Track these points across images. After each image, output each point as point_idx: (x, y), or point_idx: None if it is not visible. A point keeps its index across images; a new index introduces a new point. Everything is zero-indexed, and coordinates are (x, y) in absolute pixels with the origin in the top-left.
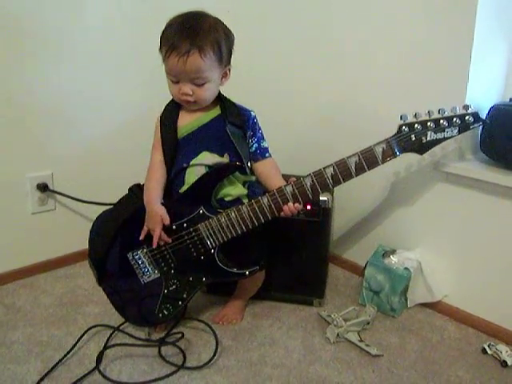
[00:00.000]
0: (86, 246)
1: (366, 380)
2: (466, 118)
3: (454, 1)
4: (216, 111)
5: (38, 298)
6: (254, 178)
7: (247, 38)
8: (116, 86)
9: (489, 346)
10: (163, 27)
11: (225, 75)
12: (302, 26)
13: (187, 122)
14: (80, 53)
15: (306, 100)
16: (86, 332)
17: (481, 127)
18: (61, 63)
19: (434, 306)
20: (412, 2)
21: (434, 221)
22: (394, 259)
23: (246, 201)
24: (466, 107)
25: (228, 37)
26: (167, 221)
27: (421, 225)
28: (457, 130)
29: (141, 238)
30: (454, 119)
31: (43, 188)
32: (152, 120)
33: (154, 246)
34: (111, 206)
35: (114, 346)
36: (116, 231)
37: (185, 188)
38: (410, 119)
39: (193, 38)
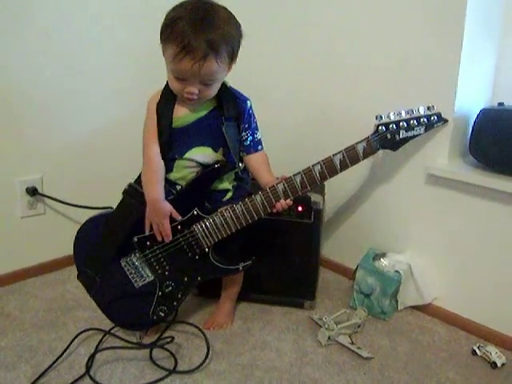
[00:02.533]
0: None
1: (358, 382)
2: (432, 118)
3: (443, 7)
4: (213, 103)
5: (27, 303)
6: (242, 166)
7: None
8: (106, 89)
9: (478, 348)
10: (164, 16)
11: (229, 69)
12: (294, 27)
13: (184, 114)
14: (69, 53)
15: (294, 101)
16: (76, 336)
17: (470, 131)
18: (49, 64)
19: (425, 309)
20: (402, 8)
21: (424, 224)
22: (384, 262)
23: (230, 193)
24: (430, 108)
25: (239, 31)
26: (178, 216)
27: (411, 228)
28: (424, 128)
29: (146, 231)
30: (422, 119)
31: (32, 192)
32: (143, 121)
33: (168, 240)
34: (100, 213)
35: (104, 349)
36: (122, 242)
37: (175, 175)
38: (384, 119)
39: (209, 38)
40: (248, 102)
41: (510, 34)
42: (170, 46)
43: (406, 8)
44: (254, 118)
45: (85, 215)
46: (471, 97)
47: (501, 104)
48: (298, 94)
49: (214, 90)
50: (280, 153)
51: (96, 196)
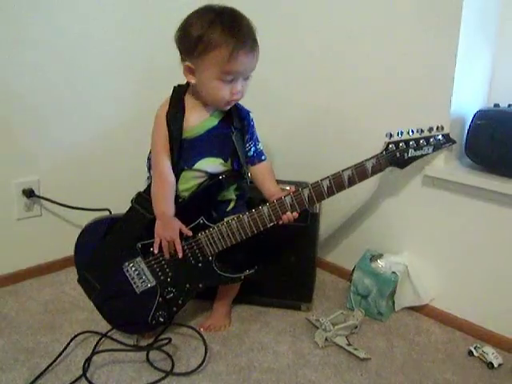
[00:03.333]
0: (72, 252)
1: (355, 383)
2: (440, 138)
3: (440, 9)
4: (220, 114)
5: (24, 305)
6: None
7: None
8: (104, 90)
9: (475, 349)
10: (181, 32)
11: None
12: (292, 32)
13: (195, 124)
14: (67, 54)
15: (292, 106)
16: (73, 339)
17: (466, 132)
18: (47, 68)
19: (421, 310)
20: (398, 10)
21: (421, 225)
22: (381, 263)
23: (233, 203)
24: (439, 128)
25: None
26: (190, 233)
27: (407, 229)
28: (432, 149)
29: (155, 251)
30: (431, 139)
31: (29, 194)
32: (142, 123)
33: (180, 256)
34: (102, 217)
35: (101, 351)
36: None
37: (179, 187)
38: (394, 137)
39: (248, 31)
40: (250, 113)
41: (505, 36)
42: (215, 53)
43: (403, 10)
44: (255, 129)
45: (81, 217)
46: (467, 98)
47: (497, 105)
48: (297, 97)
49: (248, 85)
50: (279, 157)
51: (93, 198)
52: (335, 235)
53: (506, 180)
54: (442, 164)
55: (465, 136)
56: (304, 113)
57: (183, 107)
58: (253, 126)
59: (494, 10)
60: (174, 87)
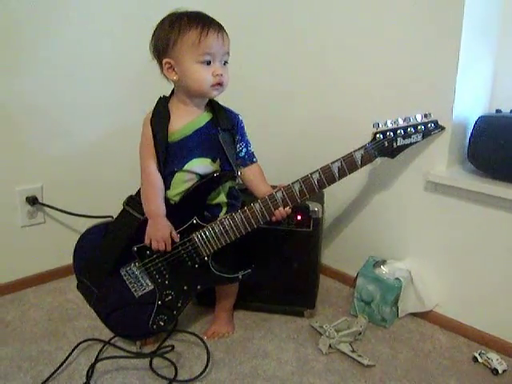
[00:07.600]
0: None
1: None
2: (429, 125)
3: (441, 14)
4: (208, 115)
5: (27, 313)
6: (235, 182)
7: (231, 51)
8: (107, 98)
9: (480, 355)
10: (154, 31)
11: None
12: (286, 39)
13: (181, 127)
14: (69, 63)
15: (289, 112)
16: (76, 346)
17: (468, 138)
18: (50, 74)
19: (425, 316)
20: (398, 15)
21: (424, 231)
22: (384, 269)
23: (225, 208)
24: (427, 115)
25: None
26: (177, 238)
27: (411, 235)
28: (421, 136)
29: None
30: (419, 126)
31: (33, 201)
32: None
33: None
34: (100, 222)
35: (104, 359)
36: (121, 252)
37: (171, 192)
38: (381, 127)
39: (211, 17)
40: (240, 116)
41: (507, 42)
42: (187, 36)
43: (404, 15)
44: (245, 132)
45: (85, 224)
46: (469, 104)
47: (498, 111)
48: (293, 104)
49: (228, 75)
50: (275, 164)
51: (96, 205)
52: (339, 241)
53: (508, 185)
54: (445, 170)
55: (467, 142)
56: (300, 120)
57: (168, 113)
58: (243, 127)
59: (496, 16)
60: (159, 97)
